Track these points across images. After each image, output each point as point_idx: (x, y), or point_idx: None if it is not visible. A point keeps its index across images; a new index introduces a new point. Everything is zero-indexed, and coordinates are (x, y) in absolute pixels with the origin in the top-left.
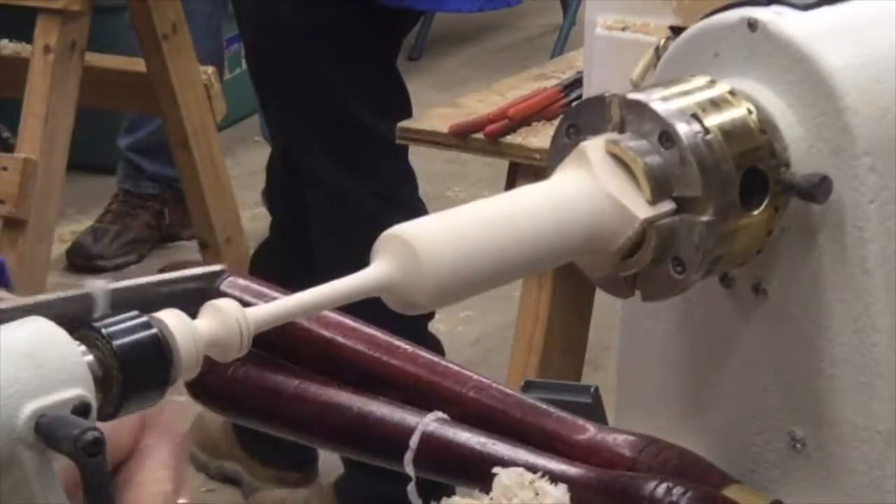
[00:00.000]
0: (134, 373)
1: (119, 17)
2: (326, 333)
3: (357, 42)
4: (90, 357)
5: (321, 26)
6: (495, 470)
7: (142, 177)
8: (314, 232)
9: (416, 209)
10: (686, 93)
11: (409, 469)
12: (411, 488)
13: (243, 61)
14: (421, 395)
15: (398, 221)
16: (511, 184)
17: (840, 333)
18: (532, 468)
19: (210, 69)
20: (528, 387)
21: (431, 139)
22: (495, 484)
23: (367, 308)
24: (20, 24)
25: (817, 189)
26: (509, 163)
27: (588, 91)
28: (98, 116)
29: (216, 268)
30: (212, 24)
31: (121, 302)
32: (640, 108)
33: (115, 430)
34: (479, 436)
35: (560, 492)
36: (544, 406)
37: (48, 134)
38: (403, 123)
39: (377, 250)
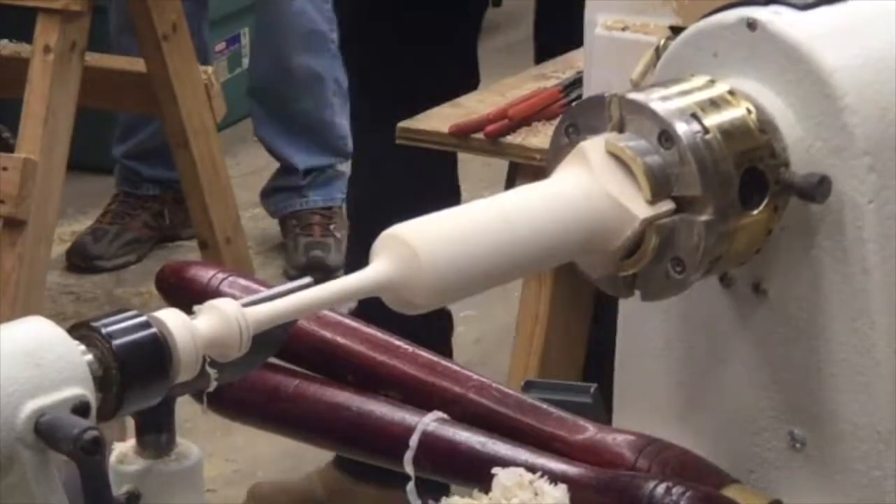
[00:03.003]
0: (133, 372)
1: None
2: (326, 333)
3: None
4: (90, 356)
5: None
6: (495, 470)
7: (140, 180)
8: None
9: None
10: (686, 93)
11: (409, 469)
12: (411, 488)
13: (244, 61)
14: (421, 394)
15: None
16: (511, 184)
17: (840, 333)
18: (532, 468)
19: (210, 69)
20: (528, 387)
21: (431, 139)
22: (495, 484)
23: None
24: (20, 24)
25: (817, 189)
26: (509, 163)
27: (588, 91)
28: (98, 116)
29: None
30: (193, 25)
31: None
32: (640, 108)
33: None
34: (479, 435)
35: (560, 492)
36: (544, 406)
37: (48, 134)
38: (403, 123)
39: (377, 250)
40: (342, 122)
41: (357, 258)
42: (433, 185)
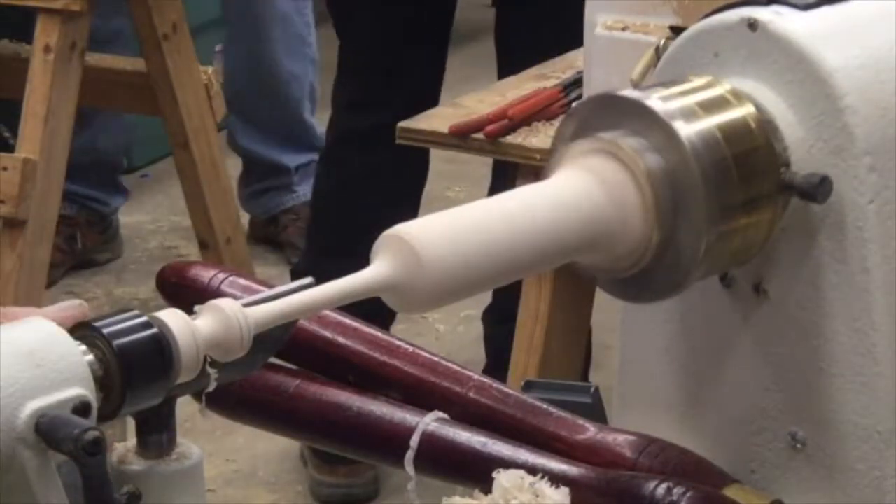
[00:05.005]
0: (134, 372)
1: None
2: (326, 333)
3: None
4: (90, 357)
5: None
6: (495, 472)
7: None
8: None
9: None
10: (686, 93)
11: (410, 469)
12: (412, 487)
13: None
14: (421, 395)
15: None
16: (511, 184)
17: (840, 333)
18: (532, 468)
19: (210, 69)
20: (528, 387)
21: (431, 139)
22: (495, 486)
23: None
24: (20, 24)
25: (817, 189)
26: (509, 163)
27: (588, 91)
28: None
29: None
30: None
31: None
32: (640, 108)
33: None
34: (479, 436)
35: (561, 495)
36: (544, 406)
37: (48, 134)
38: (403, 123)
39: (377, 250)
40: (314, 121)
41: (318, 247)
42: (404, 176)
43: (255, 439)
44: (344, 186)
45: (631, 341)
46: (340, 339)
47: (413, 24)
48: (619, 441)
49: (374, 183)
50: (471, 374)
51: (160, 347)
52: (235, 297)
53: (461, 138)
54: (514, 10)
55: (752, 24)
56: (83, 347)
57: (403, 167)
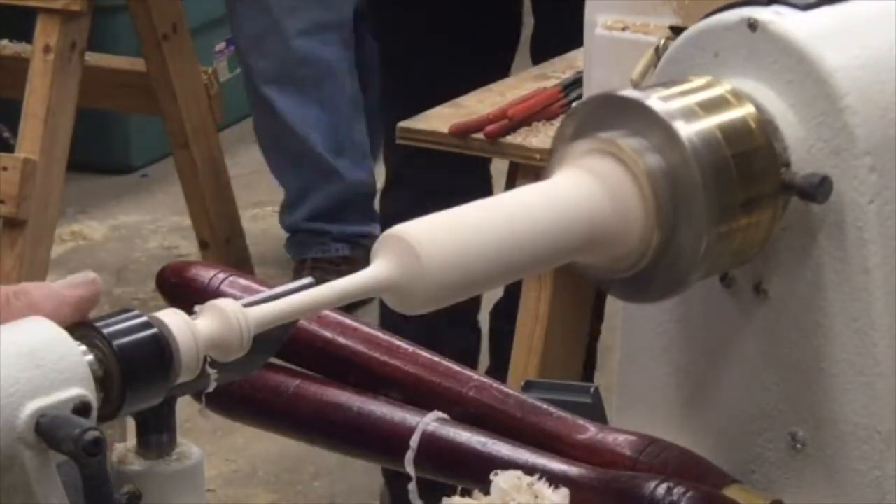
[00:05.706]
0: (134, 372)
1: (120, 17)
2: (326, 333)
3: None
4: (90, 357)
5: None
6: (493, 475)
7: (327, 239)
8: None
9: None
10: (686, 93)
11: (410, 469)
12: (412, 487)
13: None
14: (421, 395)
15: None
16: (511, 184)
17: (840, 333)
18: (532, 468)
19: (210, 69)
20: (528, 387)
21: (431, 139)
22: (493, 488)
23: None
24: (20, 24)
25: (817, 189)
26: (509, 163)
27: (588, 91)
28: (99, 116)
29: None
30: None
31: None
32: (640, 108)
33: None
34: (479, 435)
35: (560, 496)
36: (544, 406)
37: (48, 134)
38: (403, 123)
39: (377, 250)
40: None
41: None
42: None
43: (255, 439)
44: (413, 205)
45: (631, 341)
46: (340, 339)
47: (473, 49)
48: (619, 441)
49: (442, 197)
50: (471, 374)
51: (160, 347)
52: (235, 297)
53: (461, 138)
54: (550, 23)
55: (752, 24)
56: (83, 347)
57: (465, 181)
